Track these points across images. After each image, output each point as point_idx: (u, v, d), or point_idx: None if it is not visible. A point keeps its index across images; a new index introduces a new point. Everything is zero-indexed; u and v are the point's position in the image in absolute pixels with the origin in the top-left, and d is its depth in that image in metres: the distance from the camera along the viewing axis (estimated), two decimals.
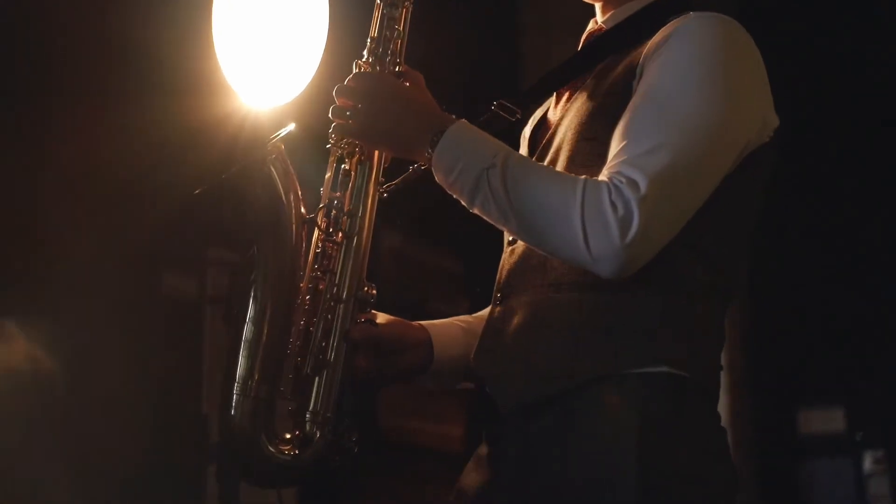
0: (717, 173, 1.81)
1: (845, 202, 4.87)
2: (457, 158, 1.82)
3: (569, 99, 1.99)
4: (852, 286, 4.88)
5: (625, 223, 1.72)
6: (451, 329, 2.07)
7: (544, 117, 2.06)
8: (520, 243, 1.93)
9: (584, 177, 1.77)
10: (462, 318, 2.12)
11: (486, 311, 2.11)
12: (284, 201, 1.93)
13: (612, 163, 1.78)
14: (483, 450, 1.95)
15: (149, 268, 3.21)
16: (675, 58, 1.82)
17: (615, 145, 1.80)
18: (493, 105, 2.01)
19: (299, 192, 1.95)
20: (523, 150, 2.07)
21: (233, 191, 1.92)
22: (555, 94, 2.05)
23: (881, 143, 4.89)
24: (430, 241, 4.39)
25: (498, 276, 1.99)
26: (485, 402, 1.92)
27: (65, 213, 3.02)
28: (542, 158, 1.95)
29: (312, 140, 2.02)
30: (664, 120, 1.78)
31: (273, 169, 1.92)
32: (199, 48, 2.73)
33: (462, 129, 1.85)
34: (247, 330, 1.89)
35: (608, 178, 1.75)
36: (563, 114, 1.97)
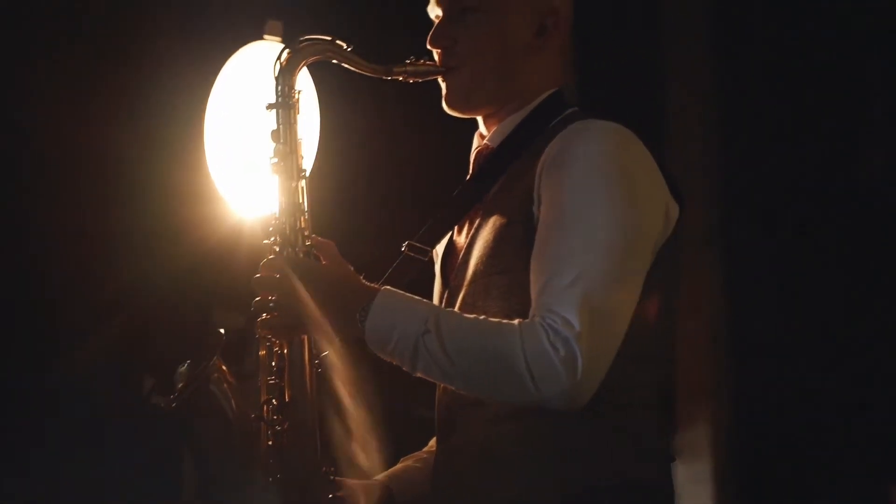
0: (639, 282, 1.85)
1: (836, 308, 4.87)
2: (390, 330, 1.82)
3: (471, 223, 2.01)
4: (842, 407, 4.87)
5: (568, 362, 1.74)
6: (410, 474, 2.09)
7: (451, 240, 2.08)
8: None
9: (517, 321, 1.79)
10: (419, 456, 2.14)
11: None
12: (231, 426, 1.93)
13: (539, 301, 1.80)
14: None
15: (128, 372, 3.21)
16: (571, 178, 1.85)
17: (535, 280, 1.82)
18: (404, 247, 2.04)
19: (241, 404, 1.94)
20: (438, 274, 2.09)
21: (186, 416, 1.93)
22: None
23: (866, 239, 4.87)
24: None
25: (436, 413, 2.00)
26: None
27: (56, 314, 3.03)
28: (457, 291, 1.97)
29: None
30: (577, 246, 1.80)
31: (216, 390, 1.93)
32: (190, 159, 2.75)
33: (386, 299, 1.84)
34: None
35: (541, 319, 1.77)
36: (469, 241, 1.99)
